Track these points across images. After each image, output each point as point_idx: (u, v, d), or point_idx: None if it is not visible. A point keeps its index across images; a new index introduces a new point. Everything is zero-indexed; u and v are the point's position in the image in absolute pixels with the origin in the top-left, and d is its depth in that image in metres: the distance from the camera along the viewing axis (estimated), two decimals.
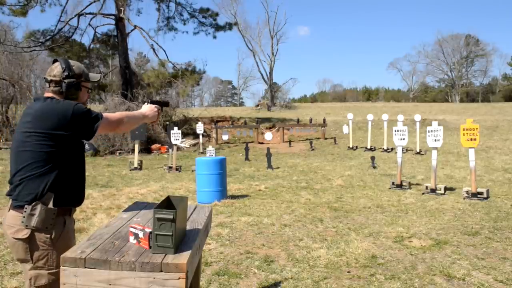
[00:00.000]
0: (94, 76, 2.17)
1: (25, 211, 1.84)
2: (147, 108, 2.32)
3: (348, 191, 7.54)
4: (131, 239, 1.79)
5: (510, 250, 4.14)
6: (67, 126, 1.89)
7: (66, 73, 1.98)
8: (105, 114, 2.06)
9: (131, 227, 1.81)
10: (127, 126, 2.20)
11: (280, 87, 44.91)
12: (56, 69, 2.01)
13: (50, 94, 2.01)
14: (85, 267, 1.58)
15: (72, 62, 2.07)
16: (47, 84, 2.02)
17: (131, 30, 19.78)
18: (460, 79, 59.77)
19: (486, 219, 5.35)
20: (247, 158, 13.09)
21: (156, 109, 2.33)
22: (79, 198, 2.06)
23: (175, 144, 11.18)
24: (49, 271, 1.88)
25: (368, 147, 14.80)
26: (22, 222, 1.84)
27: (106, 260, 1.58)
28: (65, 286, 1.59)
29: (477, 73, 62.12)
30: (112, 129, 2.11)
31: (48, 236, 1.87)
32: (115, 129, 2.13)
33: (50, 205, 1.87)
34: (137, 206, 2.48)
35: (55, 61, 2.08)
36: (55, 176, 1.90)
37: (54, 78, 1.99)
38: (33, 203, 1.85)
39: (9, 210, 1.92)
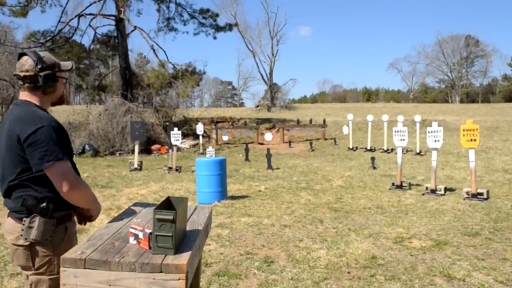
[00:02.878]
0: (65, 64, 1.98)
1: (23, 224, 1.78)
2: (100, 206, 2.12)
3: (348, 192, 7.54)
4: (131, 239, 1.79)
5: (510, 250, 4.14)
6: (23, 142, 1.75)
7: (39, 66, 1.82)
8: (68, 165, 1.79)
9: (131, 227, 1.81)
10: (77, 194, 1.83)
11: (280, 88, 44.92)
12: (28, 64, 1.83)
13: (25, 93, 1.88)
14: (85, 268, 1.58)
15: (42, 53, 1.90)
16: (20, 82, 1.86)
17: (131, 31, 19.82)
18: (460, 80, 59.80)
19: (486, 220, 5.35)
20: (247, 159, 13.09)
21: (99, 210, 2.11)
22: None
23: (175, 145, 11.18)
24: (50, 277, 1.84)
25: (368, 147, 14.80)
26: (21, 235, 1.79)
27: (106, 261, 1.58)
28: (65, 287, 1.59)
29: (477, 73, 62.23)
30: (59, 182, 1.76)
31: (49, 243, 1.83)
32: (62, 186, 1.77)
33: (49, 216, 1.81)
34: (137, 207, 2.48)
35: (22, 55, 1.89)
36: (44, 185, 1.80)
37: (27, 74, 1.82)
38: (31, 216, 1.78)
39: (8, 216, 1.88)
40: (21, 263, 1.85)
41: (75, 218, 2.08)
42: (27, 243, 1.80)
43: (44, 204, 1.80)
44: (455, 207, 6.15)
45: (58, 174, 1.75)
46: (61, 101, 2.04)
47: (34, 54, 1.86)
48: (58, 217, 1.87)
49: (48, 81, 1.86)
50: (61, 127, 1.86)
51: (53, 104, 2.02)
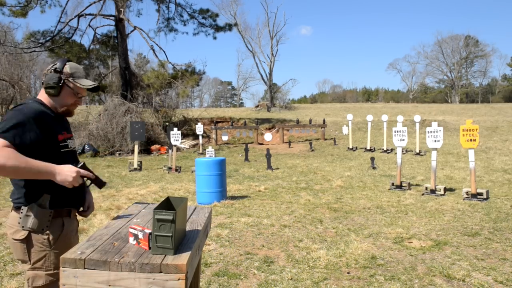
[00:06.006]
0: (84, 81, 2.01)
1: (21, 212, 1.86)
2: (66, 169, 1.82)
3: (348, 192, 7.54)
4: (131, 240, 1.79)
5: (510, 251, 4.14)
6: None
7: (54, 68, 1.97)
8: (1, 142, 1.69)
9: (131, 228, 1.80)
10: (10, 172, 1.69)
11: (280, 88, 44.87)
12: (50, 65, 2.02)
13: (41, 91, 2.03)
14: (85, 268, 1.58)
15: (71, 63, 2.01)
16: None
17: (131, 31, 19.85)
18: (460, 80, 59.84)
19: (486, 220, 5.35)
20: (246, 159, 13.09)
21: (75, 175, 1.82)
22: (77, 199, 2.05)
23: (175, 145, 11.18)
24: (47, 272, 1.89)
25: (368, 148, 14.80)
26: (19, 223, 1.86)
27: (106, 261, 1.58)
28: (65, 287, 1.59)
29: (477, 73, 62.30)
30: None
31: (46, 237, 1.88)
32: None
33: (46, 207, 1.87)
34: (137, 207, 2.48)
35: None
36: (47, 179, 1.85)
37: (45, 72, 2.02)
38: (29, 205, 1.86)
39: (11, 211, 1.95)
40: (19, 256, 1.91)
41: (76, 214, 2.12)
42: (23, 237, 1.86)
43: (42, 193, 1.87)
44: (455, 207, 6.16)
45: None
46: (67, 112, 2.05)
47: (61, 60, 2.02)
48: (56, 210, 1.92)
49: (50, 81, 1.95)
50: (36, 115, 1.84)
51: (61, 113, 2.03)
